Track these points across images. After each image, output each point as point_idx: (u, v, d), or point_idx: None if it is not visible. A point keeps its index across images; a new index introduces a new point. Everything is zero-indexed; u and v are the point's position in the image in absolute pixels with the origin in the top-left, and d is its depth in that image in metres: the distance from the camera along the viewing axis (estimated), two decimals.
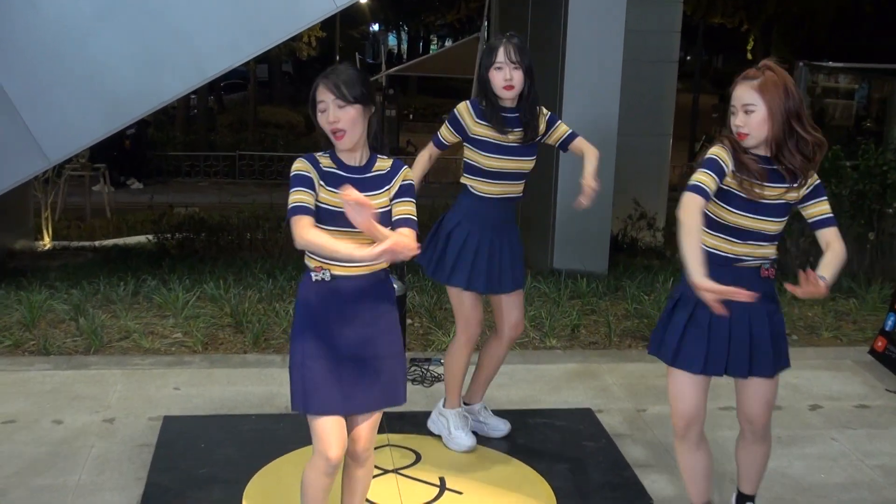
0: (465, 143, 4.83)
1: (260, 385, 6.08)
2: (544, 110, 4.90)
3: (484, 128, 4.76)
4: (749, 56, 40.01)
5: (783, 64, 3.84)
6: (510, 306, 5.06)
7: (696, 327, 3.91)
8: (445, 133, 4.87)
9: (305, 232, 3.42)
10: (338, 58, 37.28)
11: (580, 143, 4.96)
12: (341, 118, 3.53)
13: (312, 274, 3.63)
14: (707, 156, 3.83)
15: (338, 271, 3.60)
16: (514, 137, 4.78)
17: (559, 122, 4.92)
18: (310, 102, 3.62)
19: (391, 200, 3.64)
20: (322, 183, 3.56)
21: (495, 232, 4.88)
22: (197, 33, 7.92)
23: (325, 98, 3.54)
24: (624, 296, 7.99)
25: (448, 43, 47.01)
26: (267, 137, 27.20)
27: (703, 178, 3.74)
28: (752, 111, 3.73)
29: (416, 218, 3.64)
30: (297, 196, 3.50)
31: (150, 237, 11.84)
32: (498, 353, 5.19)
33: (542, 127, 4.87)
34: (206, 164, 24.31)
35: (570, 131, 4.95)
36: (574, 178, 9.24)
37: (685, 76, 34.13)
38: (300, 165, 3.58)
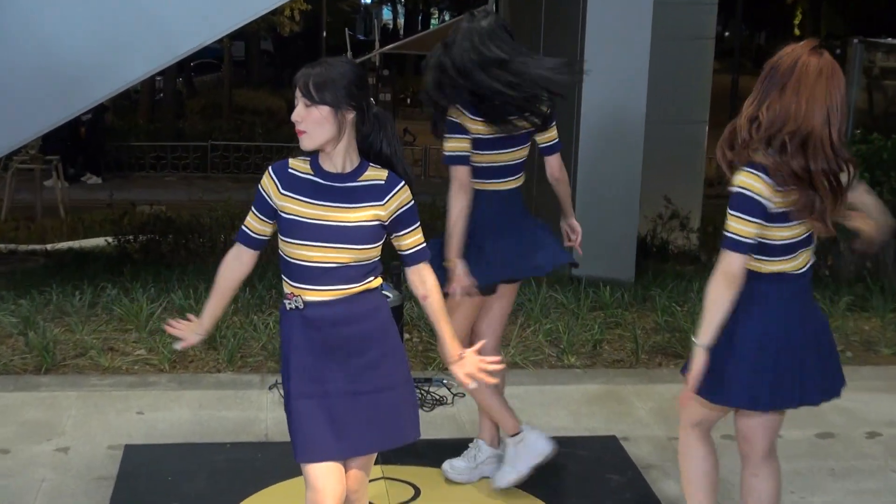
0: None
1: (236, 409, 6.08)
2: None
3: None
4: (796, 31, 40.03)
5: (832, 40, 3.86)
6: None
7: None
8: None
9: (223, 264, 3.82)
10: (324, 34, 37.27)
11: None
12: (304, 118, 3.58)
13: (286, 302, 3.68)
14: None
15: (310, 296, 3.63)
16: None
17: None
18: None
19: (392, 231, 3.68)
20: (287, 192, 3.62)
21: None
22: (165, 6, 7.92)
23: (297, 93, 3.61)
24: (653, 307, 7.99)
25: (448, 17, 47.06)
26: (244, 125, 27.16)
27: None
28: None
29: (425, 248, 3.77)
30: (247, 220, 3.74)
31: (110, 240, 11.84)
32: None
33: None
34: (173, 155, 24.30)
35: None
36: (595, 172, 9.26)
37: (723, 54, 34.10)
38: (263, 181, 3.68)
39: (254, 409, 6.06)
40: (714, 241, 11.70)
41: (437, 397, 6.28)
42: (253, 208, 3.70)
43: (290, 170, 3.65)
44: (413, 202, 3.69)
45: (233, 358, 6.77)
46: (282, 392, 3.83)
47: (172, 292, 7.92)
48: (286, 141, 24.08)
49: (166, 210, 13.82)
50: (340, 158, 3.64)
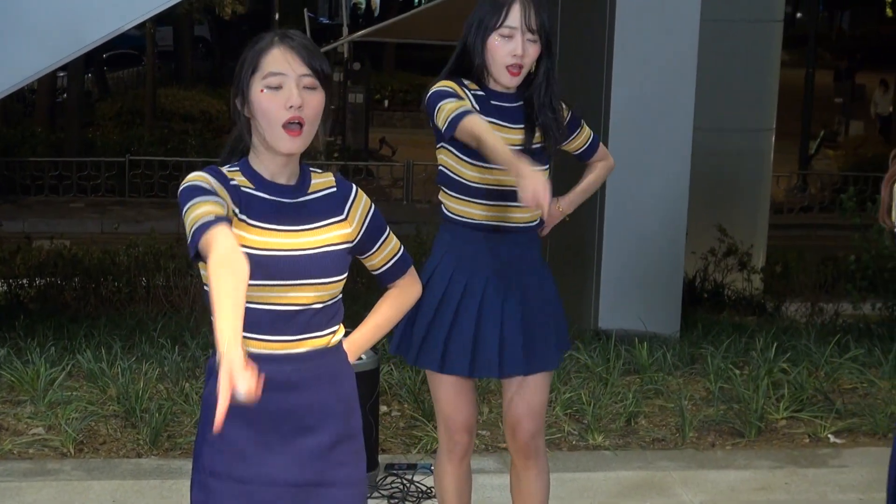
0: (440, 144, 4.77)
1: None
2: (563, 105, 4.87)
3: None
4: (888, 11, 40.26)
5: None
6: (515, 396, 4.86)
7: None
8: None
9: (220, 263, 3.12)
10: (276, 17, 37.41)
11: (602, 154, 5.03)
12: (308, 103, 3.44)
13: None
14: None
15: (258, 348, 3.49)
16: (516, 138, 4.75)
17: (582, 124, 4.93)
18: (244, 73, 3.48)
19: (360, 250, 3.65)
20: (237, 211, 3.44)
21: (498, 279, 4.75)
22: None
23: (286, 69, 3.44)
24: (704, 370, 8.00)
25: None
26: (172, 135, 27.25)
27: None
28: None
29: (404, 252, 3.79)
30: (201, 209, 3.27)
31: None
32: (518, 483, 5.03)
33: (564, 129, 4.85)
34: (80, 174, 24.35)
35: (594, 136, 4.99)
36: (628, 196, 9.31)
37: (794, 42, 34.28)
38: (197, 176, 3.41)
39: None
40: (783, 283, 11.75)
41: (424, 489, 6.27)
42: (199, 199, 3.30)
43: (230, 181, 3.48)
44: (373, 205, 3.69)
45: (157, 438, 6.76)
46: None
47: (79, 353, 7.91)
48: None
49: (71, 246, 13.84)
50: (295, 165, 3.56)
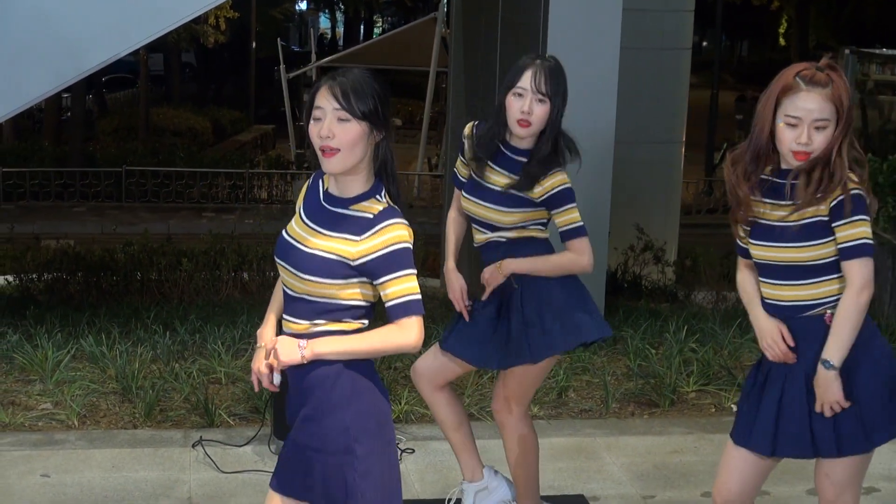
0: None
1: (155, 469, 6.05)
2: (561, 176, 4.83)
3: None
4: (781, 41, 40.48)
5: (822, 51, 3.92)
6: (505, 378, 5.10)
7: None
8: (459, 166, 4.89)
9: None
10: (254, 45, 37.30)
11: (579, 247, 4.89)
12: (337, 134, 3.46)
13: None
14: None
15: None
16: (495, 178, 4.74)
17: (571, 205, 4.87)
18: (306, 108, 3.58)
19: (368, 276, 3.51)
20: (299, 206, 3.65)
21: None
22: (70, 14, 7.90)
23: (324, 104, 3.48)
24: (625, 350, 8.02)
25: (388, 25, 47.21)
26: (163, 148, 27.11)
27: None
28: (823, 128, 3.82)
29: (411, 297, 3.51)
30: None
31: (10, 279, 11.76)
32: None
33: (539, 191, 4.77)
34: (83, 182, 24.18)
35: (576, 225, 4.88)
36: None
37: (701, 67, 34.42)
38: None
39: (175, 470, 6.03)
40: (692, 274, 11.78)
41: None
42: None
43: (320, 180, 3.68)
44: (403, 246, 3.49)
45: (151, 412, 6.73)
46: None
47: (82, 338, 7.86)
48: (211, 165, 23.97)
49: (75, 245, 13.75)
50: (348, 184, 3.56)
